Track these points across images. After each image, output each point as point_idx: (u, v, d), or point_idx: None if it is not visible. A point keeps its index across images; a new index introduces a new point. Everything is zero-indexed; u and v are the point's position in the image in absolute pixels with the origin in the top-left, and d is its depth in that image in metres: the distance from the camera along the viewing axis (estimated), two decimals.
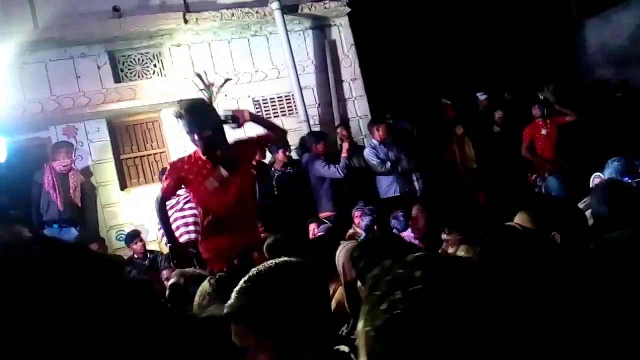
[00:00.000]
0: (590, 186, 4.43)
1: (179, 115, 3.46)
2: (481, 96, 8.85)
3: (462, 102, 8.31)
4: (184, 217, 5.45)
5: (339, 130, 6.70)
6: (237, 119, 3.62)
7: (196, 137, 3.46)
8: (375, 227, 4.84)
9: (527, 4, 9.94)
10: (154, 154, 7.00)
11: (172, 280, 3.09)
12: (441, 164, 7.28)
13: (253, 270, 1.44)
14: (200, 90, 6.47)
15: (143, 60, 6.86)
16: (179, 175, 3.61)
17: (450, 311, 0.75)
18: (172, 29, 6.76)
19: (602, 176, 4.43)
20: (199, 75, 3.72)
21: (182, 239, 5.07)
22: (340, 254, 3.07)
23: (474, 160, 7.36)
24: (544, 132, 7.32)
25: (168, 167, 3.81)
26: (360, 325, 0.84)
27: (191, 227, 5.28)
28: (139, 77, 6.81)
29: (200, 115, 3.46)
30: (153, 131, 7.04)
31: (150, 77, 6.84)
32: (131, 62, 6.82)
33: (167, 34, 6.81)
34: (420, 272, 0.80)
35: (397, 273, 0.82)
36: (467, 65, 9.14)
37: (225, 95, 6.83)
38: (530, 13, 9.88)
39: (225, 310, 1.35)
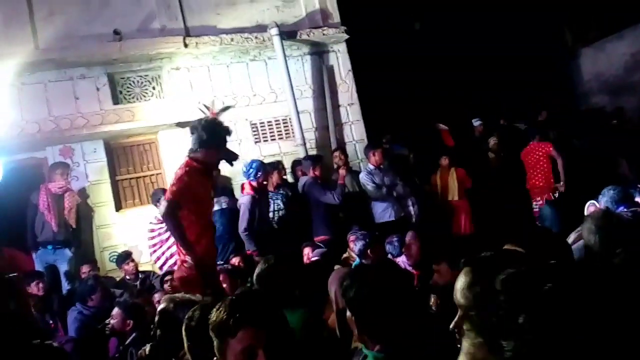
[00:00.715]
0: (585, 214, 4.45)
1: (198, 127, 3.90)
2: (476, 122, 8.90)
3: (458, 128, 8.36)
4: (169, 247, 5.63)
5: (336, 154, 6.71)
6: (236, 157, 4.13)
7: (209, 153, 3.87)
8: (368, 251, 4.80)
9: (525, 32, 10.10)
10: (150, 175, 7.00)
11: (161, 306, 3.07)
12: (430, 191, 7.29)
13: None
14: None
15: (142, 83, 6.91)
16: (192, 186, 3.82)
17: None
18: (171, 52, 6.82)
19: (597, 204, 4.43)
20: (206, 107, 3.95)
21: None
22: (332, 281, 3.04)
23: (455, 193, 7.20)
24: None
25: (182, 178, 3.88)
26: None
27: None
28: (137, 99, 6.85)
29: (220, 136, 3.93)
30: (150, 153, 7.05)
31: (149, 100, 6.89)
32: (130, 84, 6.87)
33: (167, 57, 6.87)
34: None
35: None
36: (464, 91, 9.24)
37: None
38: (528, 41, 10.03)
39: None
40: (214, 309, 1.62)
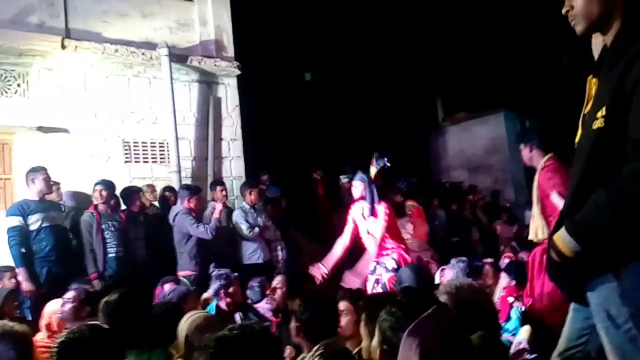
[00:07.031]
0: (437, 281, 4.68)
1: None
2: (344, 179, 9.02)
3: (331, 179, 8.50)
4: None
5: (218, 188, 6.39)
6: None
7: None
8: (222, 292, 4.52)
9: (403, 102, 10.86)
10: None
11: None
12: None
13: None
14: None
15: (6, 77, 6.20)
16: None
17: None
18: (46, 51, 6.26)
19: (448, 271, 4.72)
20: None
21: None
22: (184, 325, 2.80)
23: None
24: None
25: None
26: None
27: None
28: None
29: None
30: (1, 154, 6.28)
31: (10, 97, 6.18)
32: None
33: (40, 55, 6.27)
34: None
35: None
36: (341, 145, 9.57)
37: None
38: (403, 112, 10.79)
39: None
40: None
